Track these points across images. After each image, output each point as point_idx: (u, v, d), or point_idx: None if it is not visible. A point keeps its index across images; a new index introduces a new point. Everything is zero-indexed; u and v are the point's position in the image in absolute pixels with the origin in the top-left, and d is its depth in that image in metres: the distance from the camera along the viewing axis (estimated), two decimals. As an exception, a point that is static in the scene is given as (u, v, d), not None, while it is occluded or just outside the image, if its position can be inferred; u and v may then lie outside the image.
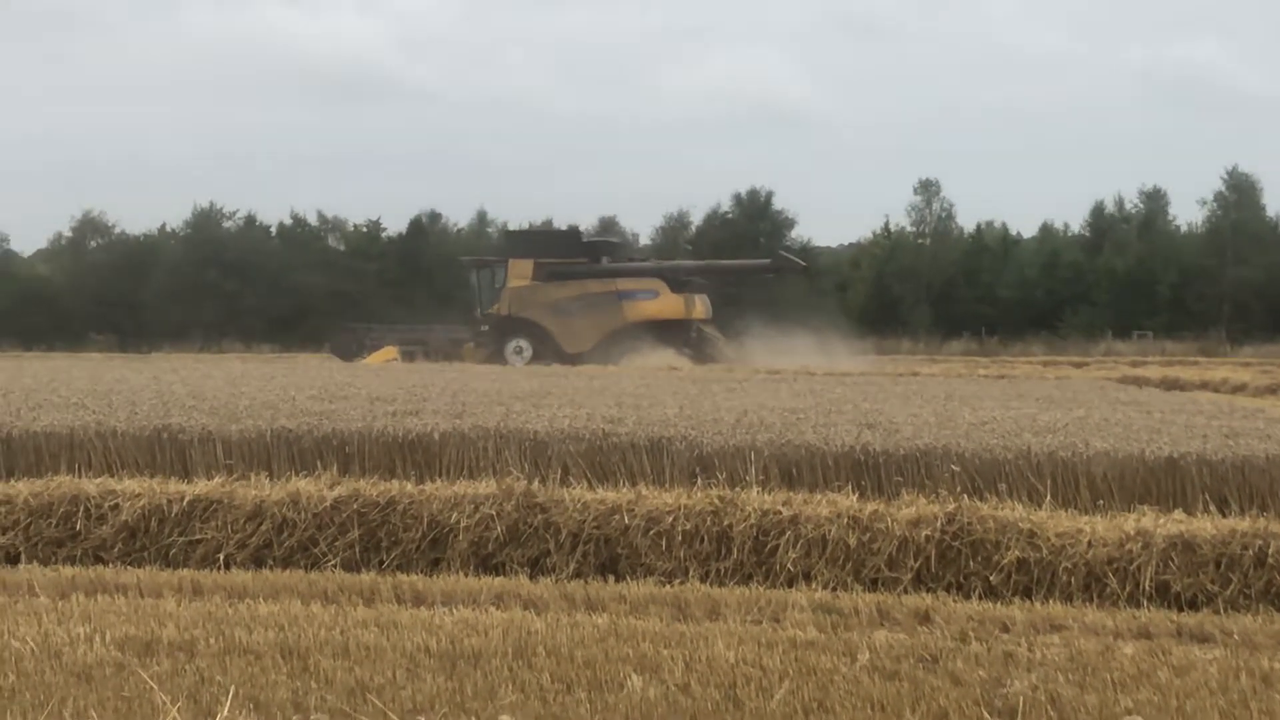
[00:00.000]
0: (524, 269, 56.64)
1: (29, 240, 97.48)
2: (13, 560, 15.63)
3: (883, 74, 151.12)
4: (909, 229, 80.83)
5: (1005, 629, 12.20)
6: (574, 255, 57.66)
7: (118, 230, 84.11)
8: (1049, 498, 15.35)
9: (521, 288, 56.29)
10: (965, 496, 15.07)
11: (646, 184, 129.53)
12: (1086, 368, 53.51)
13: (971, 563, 14.02)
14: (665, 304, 55.80)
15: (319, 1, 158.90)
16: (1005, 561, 13.88)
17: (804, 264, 61.22)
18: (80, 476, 17.04)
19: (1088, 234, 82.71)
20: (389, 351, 54.06)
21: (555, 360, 51.41)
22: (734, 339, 55.96)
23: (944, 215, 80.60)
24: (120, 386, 26.04)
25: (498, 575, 14.58)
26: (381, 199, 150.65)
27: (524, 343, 55.48)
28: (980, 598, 13.61)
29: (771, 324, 55.28)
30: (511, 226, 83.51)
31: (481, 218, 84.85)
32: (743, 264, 62.63)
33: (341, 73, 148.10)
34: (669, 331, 54.75)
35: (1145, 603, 13.33)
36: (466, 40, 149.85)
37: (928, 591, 13.70)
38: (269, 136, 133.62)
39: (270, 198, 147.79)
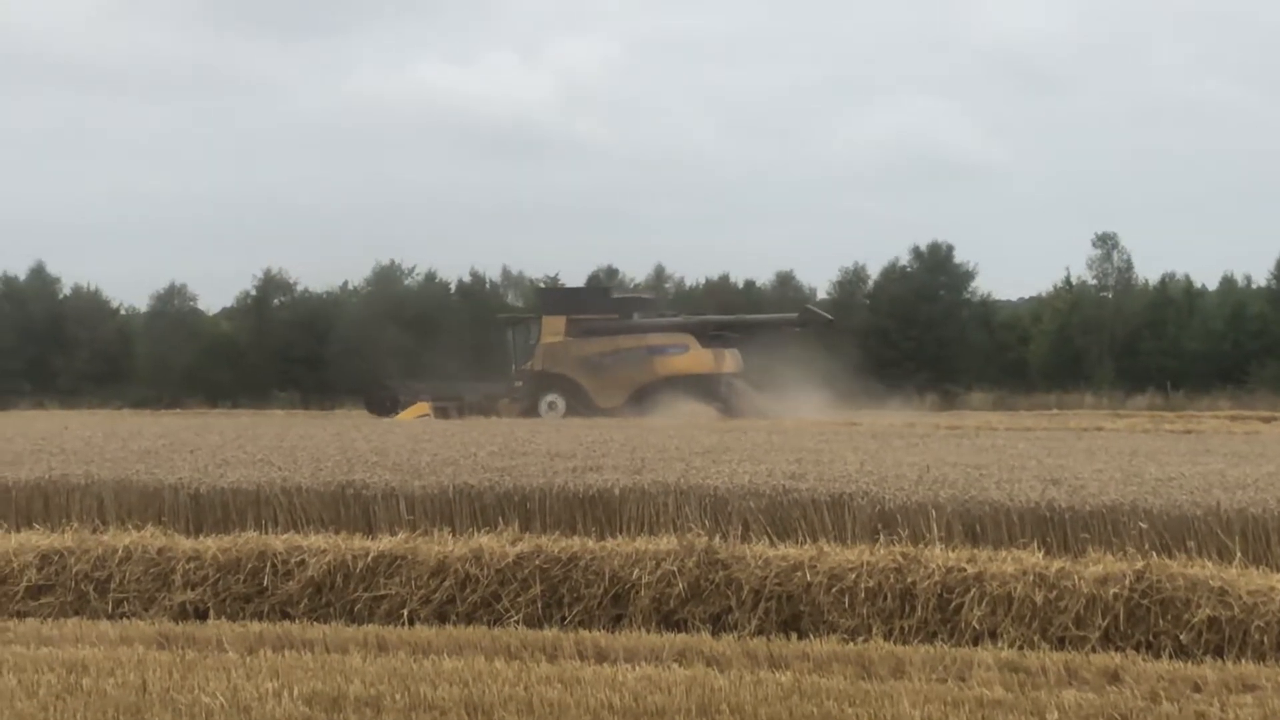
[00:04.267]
0: (557, 325, 57.35)
1: (214, 298, 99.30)
2: (201, 615, 15.85)
3: (1051, 124, 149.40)
4: (1090, 282, 79.84)
5: (1197, 689, 11.97)
6: (605, 311, 58.26)
7: (300, 288, 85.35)
8: (1239, 555, 15.01)
9: (555, 344, 57.01)
10: (1153, 554, 14.79)
11: (818, 237, 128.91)
12: (1276, 422, 52.43)
13: (1161, 621, 13.78)
14: (695, 359, 56.20)
15: (480, 59, 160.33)
16: (1196, 620, 13.63)
17: (830, 318, 61.14)
18: (267, 532, 17.27)
19: (1274, 285, 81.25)
20: (421, 407, 54.54)
21: (588, 414, 51.90)
22: (770, 392, 55.89)
23: (1124, 267, 79.56)
24: (304, 443, 26.36)
25: (680, 632, 14.54)
26: (558, 254, 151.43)
27: (557, 398, 56.01)
28: (1171, 657, 13.36)
29: (802, 376, 55.32)
30: (690, 282, 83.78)
31: (659, 272, 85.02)
32: (771, 318, 62.87)
33: (505, 128, 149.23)
34: (700, 385, 55.08)
35: (1342, 663, 13.01)
36: (630, 95, 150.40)
37: (1116, 650, 13.48)
38: (439, 193, 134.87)
39: (446, 254, 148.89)
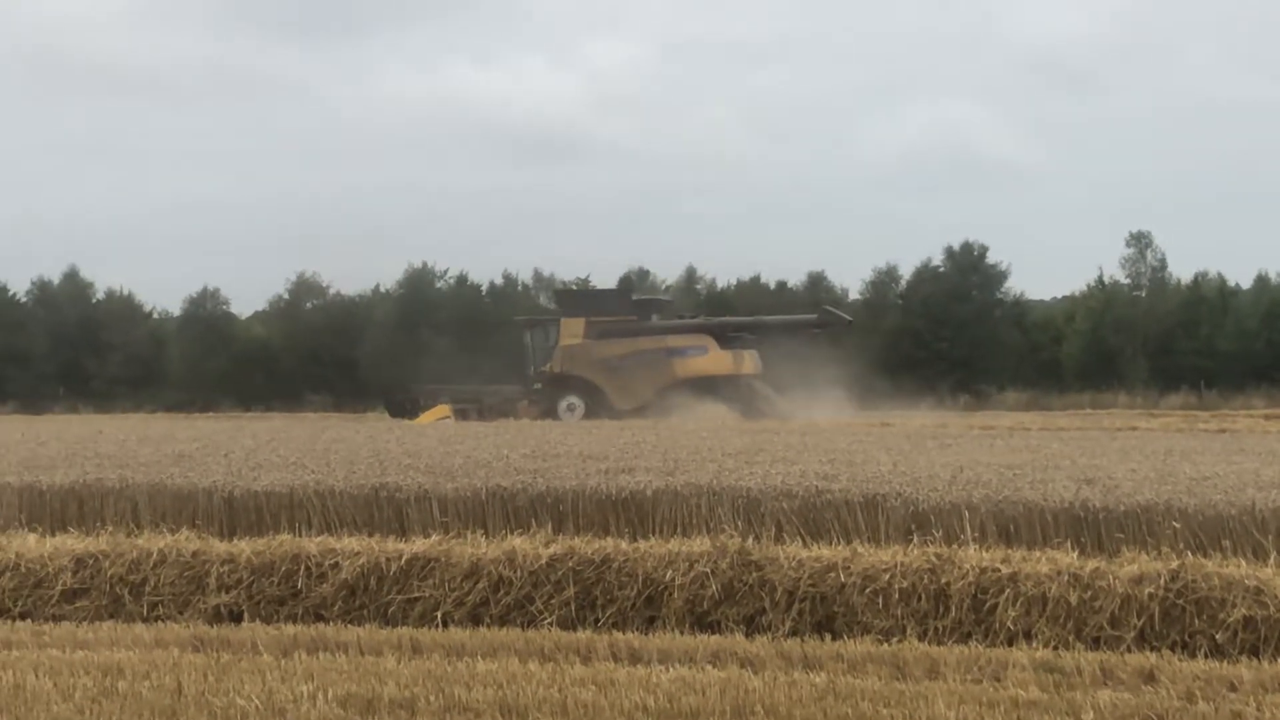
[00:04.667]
0: (576, 327, 57.55)
1: (246, 302, 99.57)
2: (236, 618, 15.89)
3: (1084, 125, 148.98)
4: (1123, 281, 79.63)
5: (1233, 688, 11.92)
6: (624, 313, 58.49)
7: (332, 291, 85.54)
8: (1275, 554, 14.95)
9: (573, 346, 57.24)
10: (1188, 553, 14.74)
11: (850, 238, 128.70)
12: (1310, 421, 52.18)
13: (1196, 621, 13.73)
14: (714, 360, 56.33)
15: (508, 61, 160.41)
16: (1231, 619, 13.58)
17: (850, 319, 61.11)
18: (301, 535, 17.31)
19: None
20: (442, 410, 54.62)
21: (607, 416, 51.92)
22: (790, 393, 55.85)
23: (1158, 267, 79.31)
24: (337, 446, 26.42)
25: (713, 633, 14.54)
26: (589, 256, 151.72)
27: (576, 399, 56.19)
28: (1206, 656, 13.31)
29: (822, 377, 55.44)
30: (721, 283, 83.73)
31: (690, 274, 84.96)
32: (790, 319, 62.80)
33: (535, 131, 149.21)
34: (719, 387, 55.20)
35: (1380, 662, 12.95)
36: (660, 97, 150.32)
37: (1152, 650, 13.43)
38: (470, 196, 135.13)
39: (478, 257, 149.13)
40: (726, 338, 57.42)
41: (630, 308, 59.21)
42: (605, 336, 57.12)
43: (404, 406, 56.61)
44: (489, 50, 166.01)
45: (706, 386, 55.02)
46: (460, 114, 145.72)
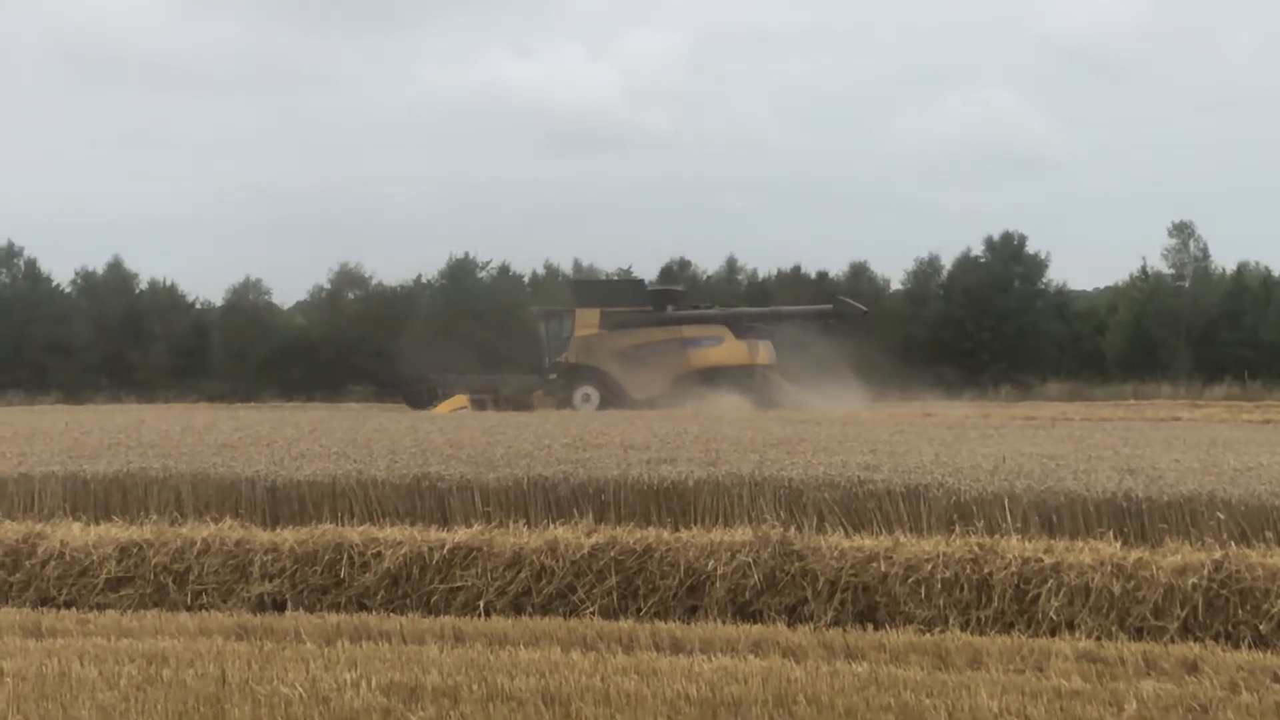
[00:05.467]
0: (591, 318, 57.90)
1: (288, 293, 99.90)
2: (279, 607, 15.95)
3: (1123, 114, 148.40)
4: (1166, 271, 79.31)
5: (1276, 678, 11.88)
6: (639, 304, 58.84)
7: (375, 282, 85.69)
8: (1320, 545, 14.90)
9: (589, 336, 57.55)
10: (1232, 544, 14.69)
11: (890, 229, 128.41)
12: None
13: (1240, 611, 13.69)
14: (729, 350, 56.63)
15: (546, 52, 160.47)
16: (1275, 610, 13.54)
17: (865, 309, 61.03)
18: (343, 524, 17.37)
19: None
20: (459, 400, 55.05)
21: (623, 406, 52.12)
22: (804, 383, 55.86)
23: (1200, 257, 78.98)
24: (379, 436, 26.48)
25: (755, 623, 14.54)
26: (630, 247, 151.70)
27: (591, 390, 56.45)
28: (1250, 647, 13.27)
29: (839, 367, 55.78)
30: (762, 274, 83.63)
31: (731, 265, 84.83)
32: (805, 309, 62.92)
33: (573, 121, 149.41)
34: (734, 377, 55.24)
35: None
36: (697, 87, 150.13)
37: (1195, 640, 13.39)
38: (510, 186, 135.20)
39: (519, 247, 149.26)
40: (741, 328, 57.60)
41: (645, 298, 59.52)
42: (620, 327, 57.45)
43: (422, 396, 56.86)
44: (526, 41, 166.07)
45: (721, 377, 55.16)
46: (497, 104, 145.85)
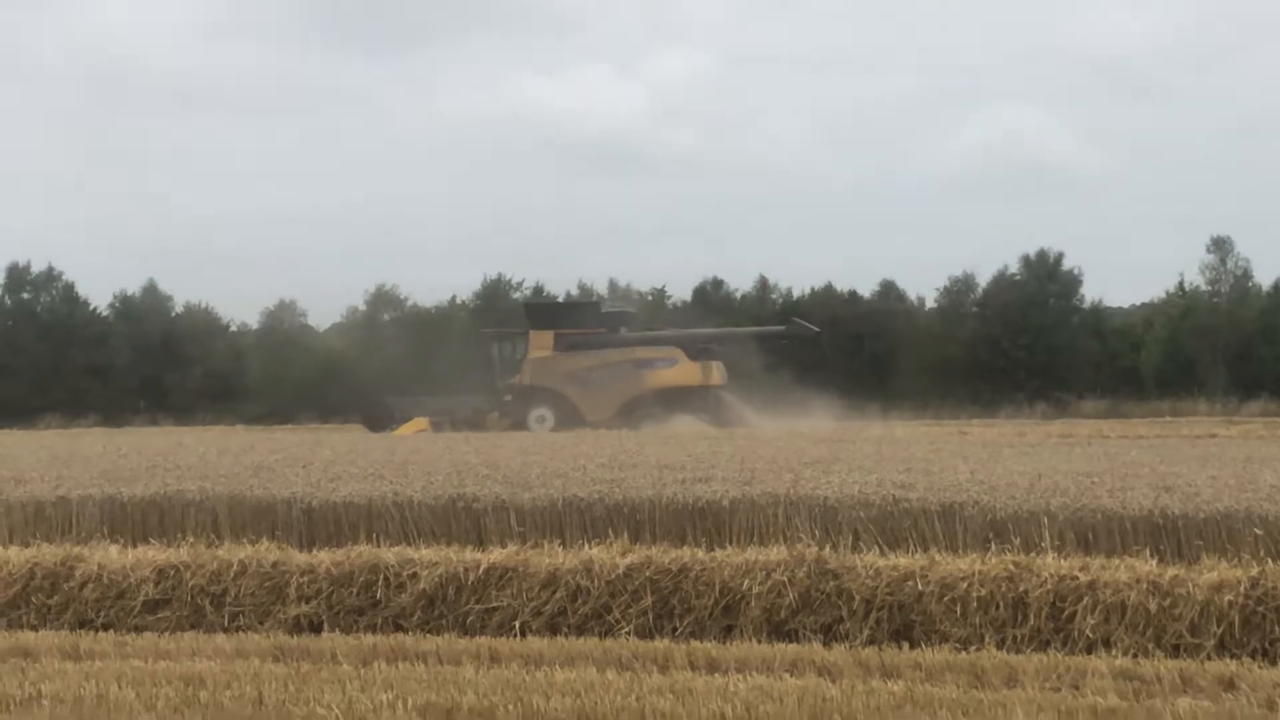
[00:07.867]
0: (545, 340, 58.41)
1: (324, 314, 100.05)
2: (316, 629, 15.99)
3: (1152, 132, 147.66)
4: (1203, 288, 79.10)
5: (1315, 696, 11.83)
6: (593, 326, 59.27)
7: (410, 303, 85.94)
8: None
9: (543, 358, 58.07)
10: (1268, 560, 14.64)
11: (921, 247, 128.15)
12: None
13: (1277, 628, 13.65)
14: (683, 372, 57.17)
15: (573, 72, 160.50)
16: (1313, 627, 13.48)
17: (817, 330, 61.60)
18: (379, 545, 17.40)
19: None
20: (420, 422, 55.64)
21: (576, 427, 52.03)
22: (755, 403, 56.15)
23: (1239, 273, 78.76)
24: (415, 457, 26.52)
25: (791, 642, 14.54)
26: (663, 266, 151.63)
27: (546, 411, 56.80)
28: (1288, 664, 13.22)
29: (789, 387, 56.54)
30: (796, 292, 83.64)
31: (763, 284, 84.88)
32: (757, 330, 64.38)
33: (601, 141, 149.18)
34: (687, 398, 55.96)
35: None
36: (726, 107, 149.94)
37: (1231, 658, 13.35)
38: (542, 206, 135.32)
39: (552, 268, 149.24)
40: (695, 350, 58.12)
41: (599, 320, 59.94)
42: (574, 349, 57.94)
43: (381, 420, 57.21)
44: (552, 61, 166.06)
45: (675, 398, 55.93)
46: (526, 125, 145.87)
